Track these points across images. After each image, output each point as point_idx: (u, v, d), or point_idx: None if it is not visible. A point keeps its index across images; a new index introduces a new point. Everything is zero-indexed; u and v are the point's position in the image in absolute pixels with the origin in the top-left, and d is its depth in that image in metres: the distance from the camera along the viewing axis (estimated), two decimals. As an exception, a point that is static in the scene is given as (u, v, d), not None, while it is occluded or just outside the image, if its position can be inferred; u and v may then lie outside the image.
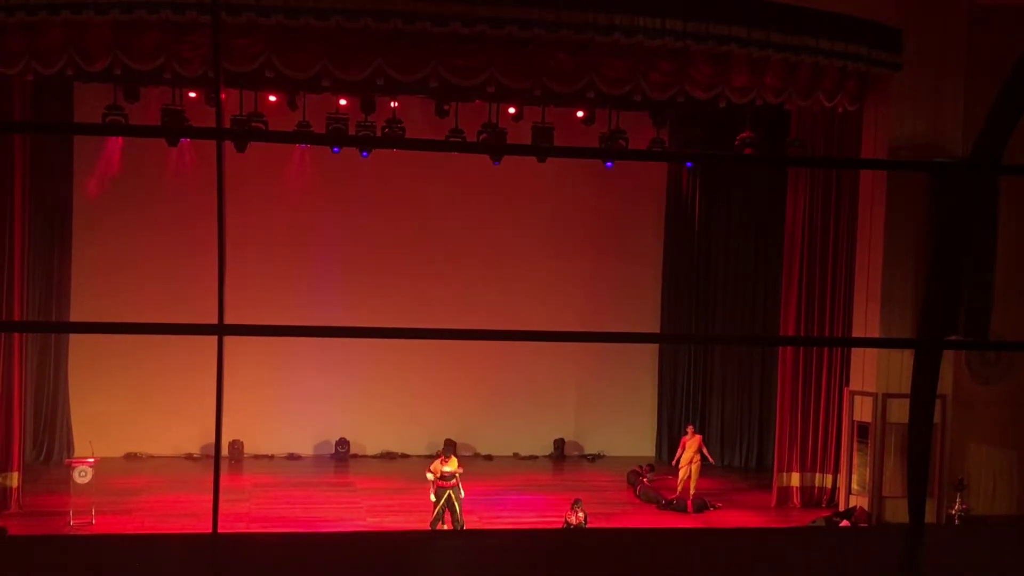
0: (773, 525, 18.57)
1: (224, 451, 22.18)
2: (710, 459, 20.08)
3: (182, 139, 20.08)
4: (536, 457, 23.64)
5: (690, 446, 20.05)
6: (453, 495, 16.78)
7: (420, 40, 16.73)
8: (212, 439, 21.51)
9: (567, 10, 16.62)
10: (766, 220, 22.46)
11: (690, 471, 19.90)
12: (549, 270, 23.46)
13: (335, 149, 21.53)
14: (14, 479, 18.33)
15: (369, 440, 23.22)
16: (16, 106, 17.83)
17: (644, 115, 21.79)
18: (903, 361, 17.90)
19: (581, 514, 17.31)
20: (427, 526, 16.95)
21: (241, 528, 16.60)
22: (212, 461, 21.71)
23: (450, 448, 18.53)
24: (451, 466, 16.90)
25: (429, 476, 16.92)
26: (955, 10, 18.25)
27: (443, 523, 16.67)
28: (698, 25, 17.06)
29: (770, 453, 21.65)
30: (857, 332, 18.96)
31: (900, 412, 17.72)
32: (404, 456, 23.20)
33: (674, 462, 20.41)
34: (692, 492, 19.88)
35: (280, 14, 16.02)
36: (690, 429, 20.69)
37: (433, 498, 16.86)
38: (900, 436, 17.99)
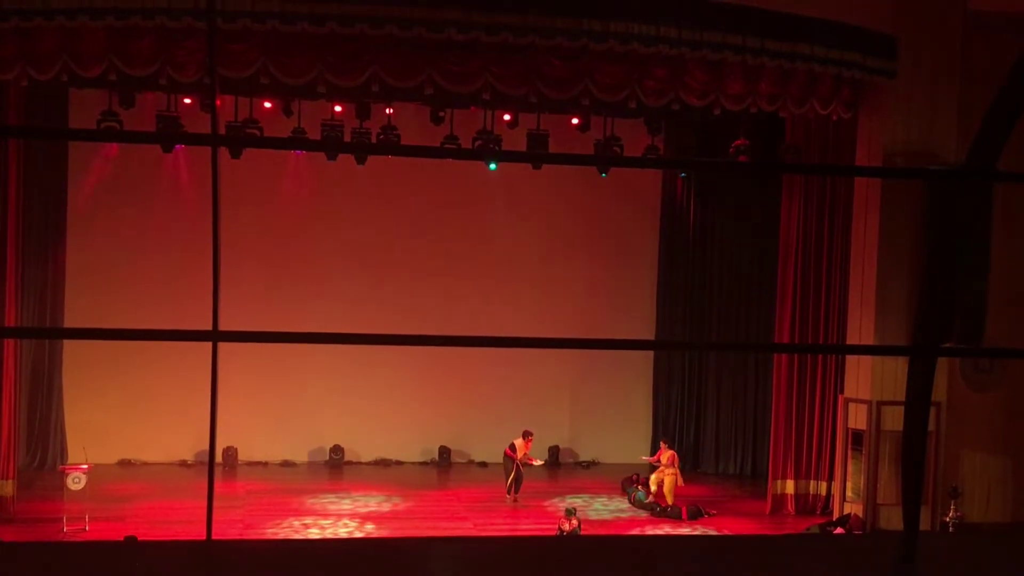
0: (767, 532, 18.57)
1: (218, 458, 22.13)
2: (679, 480, 20.17)
3: (177, 145, 20.11)
4: (529, 465, 23.60)
5: (663, 460, 20.18)
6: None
7: (415, 46, 16.74)
8: (206, 446, 21.43)
9: (562, 17, 16.63)
10: (761, 227, 22.48)
11: (660, 481, 20.10)
12: (544, 277, 23.45)
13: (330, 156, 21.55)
14: (9, 487, 18.25)
15: (363, 447, 23.20)
16: (11, 111, 17.81)
17: (639, 122, 21.81)
18: (898, 368, 17.90)
19: (575, 521, 17.31)
20: (421, 533, 17.52)
21: (235, 535, 16.57)
22: (206, 468, 21.67)
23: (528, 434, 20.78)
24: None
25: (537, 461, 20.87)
26: (950, 18, 18.28)
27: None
28: (693, 32, 17.07)
29: (764, 460, 21.63)
30: (852, 339, 18.97)
31: (895, 419, 17.72)
32: (399, 463, 23.18)
33: (652, 461, 20.94)
34: (668, 501, 19.90)
35: (275, 20, 16.00)
36: (663, 444, 20.73)
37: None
38: (895, 444, 18.00)
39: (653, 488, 20.28)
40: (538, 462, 20.95)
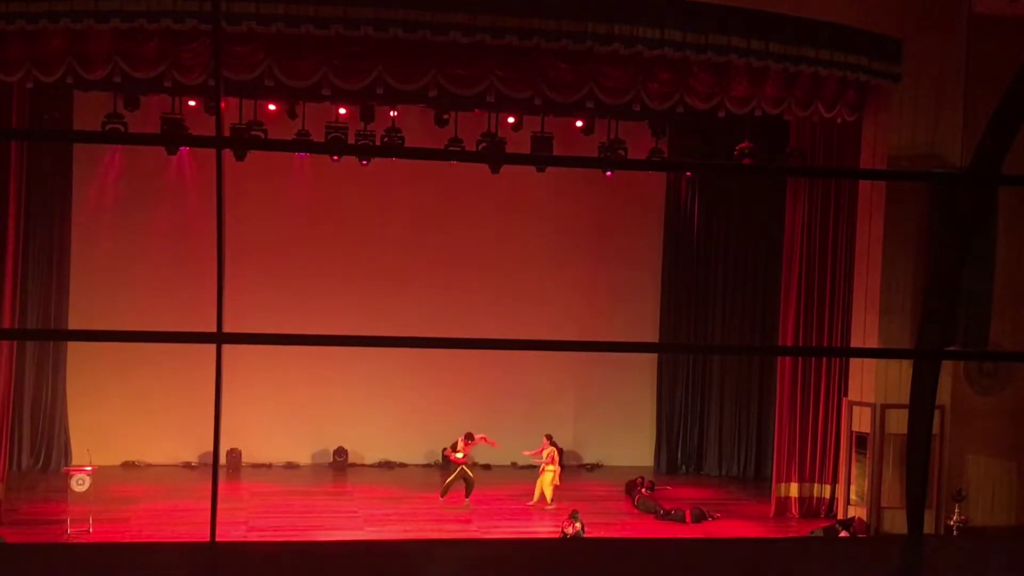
0: (771, 536, 18.55)
1: (222, 460, 22.14)
2: (556, 479, 19.96)
3: (181, 148, 20.11)
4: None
5: (543, 456, 20.07)
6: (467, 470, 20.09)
7: (420, 49, 16.75)
8: (210, 448, 21.48)
9: (567, 20, 16.64)
10: (765, 230, 22.45)
11: (541, 478, 19.99)
12: (548, 279, 23.43)
13: (334, 158, 21.56)
14: None
15: (367, 449, 23.19)
16: (15, 114, 17.84)
17: (643, 125, 21.80)
18: (901, 371, 17.89)
19: (578, 524, 17.31)
20: (424, 535, 17.65)
21: (239, 537, 16.57)
22: (210, 470, 21.68)
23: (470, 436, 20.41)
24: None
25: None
26: (955, 21, 18.27)
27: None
28: (697, 35, 17.08)
29: (768, 463, 21.61)
30: (856, 342, 18.94)
31: (899, 423, 17.71)
32: (402, 465, 23.17)
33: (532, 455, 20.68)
34: (546, 498, 19.70)
35: (280, 23, 16.03)
36: (545, 440, 20.40)
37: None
38: (899, 447, 17.98)
39: (546, 492, 19.97)
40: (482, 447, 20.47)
